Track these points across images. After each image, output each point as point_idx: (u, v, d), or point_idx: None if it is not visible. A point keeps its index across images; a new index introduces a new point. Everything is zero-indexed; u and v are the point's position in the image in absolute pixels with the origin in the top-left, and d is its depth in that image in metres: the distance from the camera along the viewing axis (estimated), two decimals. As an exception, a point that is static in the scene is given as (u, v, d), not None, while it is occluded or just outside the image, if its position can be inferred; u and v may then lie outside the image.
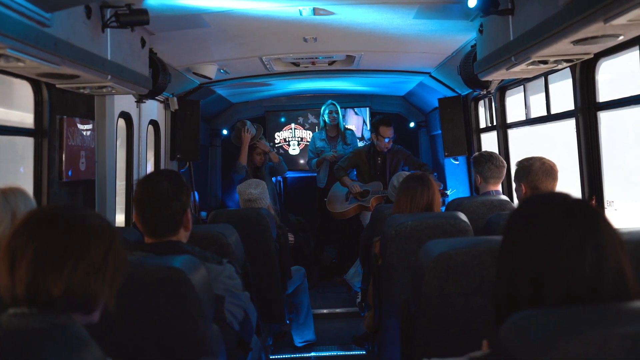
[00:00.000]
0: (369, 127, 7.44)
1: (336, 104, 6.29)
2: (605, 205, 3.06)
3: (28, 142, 3.33)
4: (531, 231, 1.14)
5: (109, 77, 2.97)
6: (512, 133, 4.65)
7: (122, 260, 1.33)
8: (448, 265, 1.91)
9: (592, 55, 2.70)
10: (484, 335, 1.92)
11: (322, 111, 6.36)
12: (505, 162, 3.71)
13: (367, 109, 7.60)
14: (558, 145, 3.92)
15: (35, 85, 3.24)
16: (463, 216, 2.86)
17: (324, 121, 6.33)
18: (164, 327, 1.77)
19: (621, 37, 2.29)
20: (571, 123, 3.42)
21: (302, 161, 7.51)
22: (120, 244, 1.33)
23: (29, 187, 3.26)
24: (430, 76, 5.60)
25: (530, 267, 1.13)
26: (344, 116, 7.50)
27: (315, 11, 3.41)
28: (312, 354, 4.55)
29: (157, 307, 1.75)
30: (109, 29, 2.96)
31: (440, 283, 1.92)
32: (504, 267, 1.19)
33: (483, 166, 3.63)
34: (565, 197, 1.16)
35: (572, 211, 1.12)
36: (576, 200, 1.15)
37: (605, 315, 0.98)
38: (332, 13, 3.47)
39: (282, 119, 7.68)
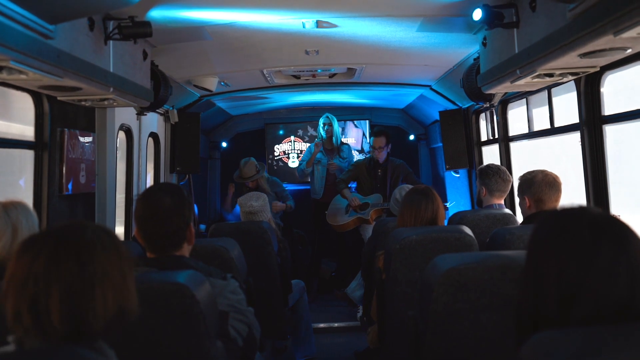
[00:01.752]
0: (368, 140, 7.43)
1: (330, 117, 6.28)
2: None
3: (27, 155, 3.29)
4: (559, 248, 1.11)
5: (111, 89, 2.95)
6: (514, 146, 4.63)
7: (131, 264, 1.31)
8: (457, 280, 1.88)
9: (598, 68, 2.69)
10: (494, 352, 1.89)
11: (318, 124, 6.37)
12: (510, 176, 3.70)
13: (367, 121, 7.60)
14: (561, 159, 3.90)
15: (36, 97, 3.21)
16: (468, 230, 2.83)
17: (320, 134, 6.34)
18: (167, 343, 1.73)
19: (629, 50, 2.27)
20: (573, 136, 3.41)
21: (302, 174, 7.49)
22: (125, 248, 1.31)
23: (28, 200, 3.23)
24: (431, 89, 5.60)
25: (559, 287, 1.09)
26: (343, 129, 7.51)
27: (318, 24, 3.40)
28: (313, 369, 4.50)
29: (161, 323, 1.72)
30: (111, 41, 2.94)
31: (450, 299, 1.89)
32: (529, 285, 1.15)
33: (490, 179, 3.61)
34: (594, 213, 1.12)
35: (603, 229, 1.09)
36: (605, 216, 1.12)
37: (633, 335, 0.95)
38: (335, 26, 3.46)
39: (282, 132, 7.67)
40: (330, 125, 6.25)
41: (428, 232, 2.82)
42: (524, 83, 3.01)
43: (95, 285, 1.19)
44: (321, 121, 6.30)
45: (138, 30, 2.85)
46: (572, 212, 1.15)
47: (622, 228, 1.12)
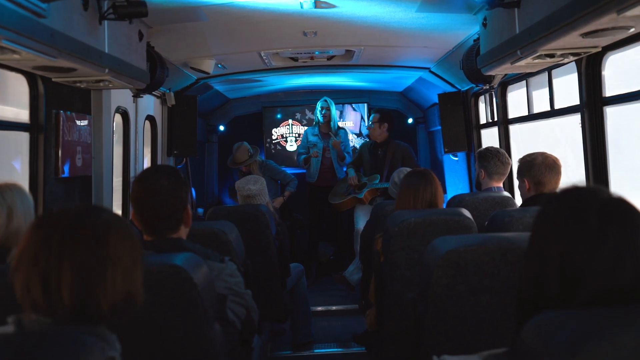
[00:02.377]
0: (366, 123, 7.40)
1: (328, 101, 6.24)
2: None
3: (23, 138, 3.26)
4: (566, 231, 1.08)
5: (107, 70, 2.91)
6: (514, 129, 4.61)
7: (141, 253, 1.31)
8: (457, 262, 1.87)
9: (600, 49, 2.66)
10: (494, 334, 1.89)
11: (316, 107, 6.33)
12: (510, 159, 3.68)
13: (365, 104, 7.56)
14: (561, 141, 3.88)
15: (31, 79, 3.16)
16: (467, 213, 2.82)
17: (317, 118, 6.30)
18: (165, 326, 1.72)
19: (632, 30, 2.24)
20: (573, 119, 3.38)
21: (300, 157, 7.46)
22: (137, 237, 1.31)
23: (24, 183, 3.20)
24: (430, 71, 5.56)
25: (562, 267, 1.07)
26: (341, 112, 7.47)
27: (316, 4, 3.35)
28: (312, 352, 4.51)
29: (159, 306, 1.70)
30: (106, 21, 2.89)
31: (449, 281, 1.88)
32: (532, 266, 1.13)
33: (489, 161, 3.60)
34: (603, 196, 1.10)
35: (612, 213, 1.07)
36: (614, 199, 1.10)
37: (637, 316, 0.93)
38: (333, 6, 3.41)
39: (279, 115, 7.62)
40: (328, 109, 6.21)
41: (427, 214, 2.80)
42: (525, 64, 2.98)
43: (107, 267, 1.20)
44: (319, 105, 6.26)
45: (133, 9, 2.80)
46: (581, 194, 1.12)
47: (631, 212, 1.09)
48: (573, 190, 1.13)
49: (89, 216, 1.24)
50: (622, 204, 1.09)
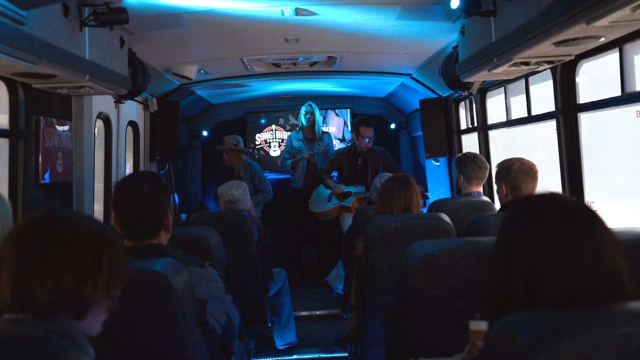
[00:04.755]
0: (350, 129, 7.44)
1: (313, 105, 6.27)
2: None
3: (2, 144, 3.24)
4: (528, 232, 1.13)
5: (87, 76, 2.91)
6: (492, 135, 4.68)
7: (118, 264, 1.28)
8: (434, 266, 1.91)
9: (573, 57, 2.73)
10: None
11: (300, 112, 6.35)
12: (487, 164, 3.74)
13: (348, 110, 7.61)
14: (538, 147, 3.96)
15: (11, 85, 3.15)
16: (446, 217, 2.86)
17: (302, 122, 6.32)
18: (145, 332, 1.73)
19: (602, 39, 2.31)
20: (551, 125, 3.45)
21: (283, 163, 7.48)
22: (117, 247, 1.28)
23: (4, 189, 3.18)
24: (411, 77, 5.62)
25: (526, 268, 1.12)
26: (324, 117, 7.51)
27: (297, 11, 3.38)
28: (294, 356, 4.52)
29: (138, 311, 1.71)
30: (87, 28, 2.90)
31: (426, 285, 1.91)
32: (498, 267, 1.18)
33: (467, 167, 3.65)
34: (562, 199, 1.15)
35: (571, 213, 1.12)
36: (574, 202, 1.15)
37: (597, 316, 0.97)
38: (314, 13, 3.45)
39: (263, 121, 7.64)
40: (312, 114, 6.24)
41: (406, 219, 2.84)
42: (501, 71, 3.04)
43: (52, 265, 1.18)
44: (303, 109, 6.29)
45: (114, 16, 2.81)
46: (543, 198, 1.17)
47: (590, 214, 1.14)
48: (536, 195, 1.18)
49: (58, 215, 1.25)
50: (582, 207, 1.14)
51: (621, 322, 0.95)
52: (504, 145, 4.60)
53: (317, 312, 5.48)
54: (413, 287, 1.91)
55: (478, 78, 3.40)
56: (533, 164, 3.12)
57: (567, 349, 0.91)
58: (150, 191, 2.07)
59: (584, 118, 3.15)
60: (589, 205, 1.18)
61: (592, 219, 1.12)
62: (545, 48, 2.46)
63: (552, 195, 1.16)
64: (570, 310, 1.01)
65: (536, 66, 2.84)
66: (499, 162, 3.23)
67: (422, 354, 1.86)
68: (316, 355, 4.53)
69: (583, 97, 3.14)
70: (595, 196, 3.17)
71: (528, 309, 1.09)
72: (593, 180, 3.19)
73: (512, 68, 2.90)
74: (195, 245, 2.81)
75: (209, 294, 2.12)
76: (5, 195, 2.67)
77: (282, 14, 3.42)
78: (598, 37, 2.27)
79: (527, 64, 2.79)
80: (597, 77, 3.11)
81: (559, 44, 2.37)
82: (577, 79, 3.12)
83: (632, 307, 1.03)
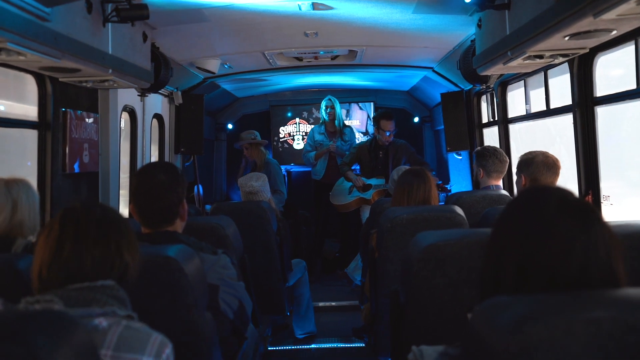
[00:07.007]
0: (373, 122, 7.45)
1: (332, 99, 6.29)
2: (602, 200, 3.07)
3: (32, 135, 3.38)
4: (524, 218, 1.14)
5: (110, 70, 3.02)
6: (514, 128, 4.65)
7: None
8: (436, 256, 1.94)
9: (587, 50, 2.71)
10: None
11: (321, 106, 6.40)
12: (507, 157, 3.72)
13: (372, 103, 7.62)
14: (555, 140, 3.93)
15: (39, 78, 3.29)
16: (459, 209, 2.87)
17: (323, 117, 6.37)
18: (157, 314, 1.80)
19: (614, 32, 2.29)
20: (567, 118, 3.43)
21: (307, 155, 7.54)
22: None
23: (32, 180, 3.32)
24: (434, 71, 5.61)
25: (518, 253, 1.13)
26: (348, 111, 7.54)
27: (314, 6, 3.43)
28: (313, 345, 4.59)
29: (151, 295, 1.80)
30: (110, 24, 3.00)
31: (429, 274, 1.95)
32: (492, 252, 1.19)
33: (487, 160, 3.64)
34: (563, 193, 1.15)
35: (569, 205, 1.12)
36: (574, 197, 1.15)
37: (572, 301, 1.00)
38: (331, 8, 3.49)
39: (287, 114, 7.71)
40: (333, 107, 6.27)
41: (419, 211, 2.86)
42: (517, 64, 3.03)
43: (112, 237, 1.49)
44: (323, 104, 6.33)
45: (135, 12, 2.91)
46: (545, 190, 1.18)
47: (589, 210, 1.14)
48: (539, 187, 1.20)
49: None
50: (582, 202, 1.14)
51: (594, 307, 0.98)
52: (524, 140, 4.57)
53: (336, 303, 5.54)
54: (416, 277, 1.95)
55: (494, 71, 3.39)
56: (556, 159, 3.09)
57: (540, 332, 0.95)
58: (167, 181, 2.16)
59: (602, 112, 3.12)
60: (602, 199, 1.18)
61: (590, 214, 1.12)
62: (557, 41, 2.45)
63: (555, 189, 1.17)
64: (548, 296, 1.04)
65: (551, 59, 2.83)
66: (522, 153, 3.21)
67: (424, 342, 1.90)
68: (334, 345, 4.59)
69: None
70: (612, 192, 3.14)
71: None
72: (611, 175, 3.16)
73: (527, 61, 2.89)
74: (212, 234, 2.89)
75: (221, 280, 2.19)
76: (34, 184, 2.80)
77: (300, 9, 3.47)
78: (609, 30, 2.25)
79: (541, 57, 2.78)
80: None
81: (570, 37, 2.36)
82: (595, 72, 3.09)
83: (608, 294, 1.05)
